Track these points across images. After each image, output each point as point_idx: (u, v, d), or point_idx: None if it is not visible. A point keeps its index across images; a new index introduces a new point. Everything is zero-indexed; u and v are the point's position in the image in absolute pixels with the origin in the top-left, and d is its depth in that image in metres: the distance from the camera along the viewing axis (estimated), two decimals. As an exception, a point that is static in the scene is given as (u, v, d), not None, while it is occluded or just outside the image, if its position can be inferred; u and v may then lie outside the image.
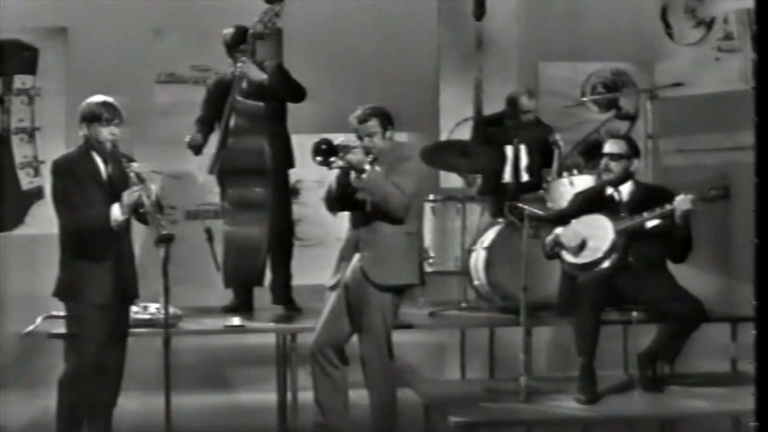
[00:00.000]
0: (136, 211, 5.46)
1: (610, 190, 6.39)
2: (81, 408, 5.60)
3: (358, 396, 5.92)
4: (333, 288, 5.86)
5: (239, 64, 6.94)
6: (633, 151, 6.43)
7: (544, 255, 6.34)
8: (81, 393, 5.59)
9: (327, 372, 5.79)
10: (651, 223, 6.17)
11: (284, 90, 7.03)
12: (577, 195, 6.63)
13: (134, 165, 5.52)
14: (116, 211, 5.44)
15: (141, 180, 5.46)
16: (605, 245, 6.13)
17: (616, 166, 6.36)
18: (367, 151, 5.79)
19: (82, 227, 5.51)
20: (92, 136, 5.58)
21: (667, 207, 6.07)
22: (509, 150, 7.41)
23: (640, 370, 6.23)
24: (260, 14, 6.92)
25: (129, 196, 5.43)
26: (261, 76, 6.95)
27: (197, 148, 7.13)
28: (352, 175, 5.74)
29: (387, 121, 5.82)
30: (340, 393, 5.82)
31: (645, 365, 6.21)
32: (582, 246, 6.19)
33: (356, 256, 5.80)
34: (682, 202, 6.06)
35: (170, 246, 5.34)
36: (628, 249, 6.20)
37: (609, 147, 6.44)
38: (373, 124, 5.78)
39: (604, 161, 6.40)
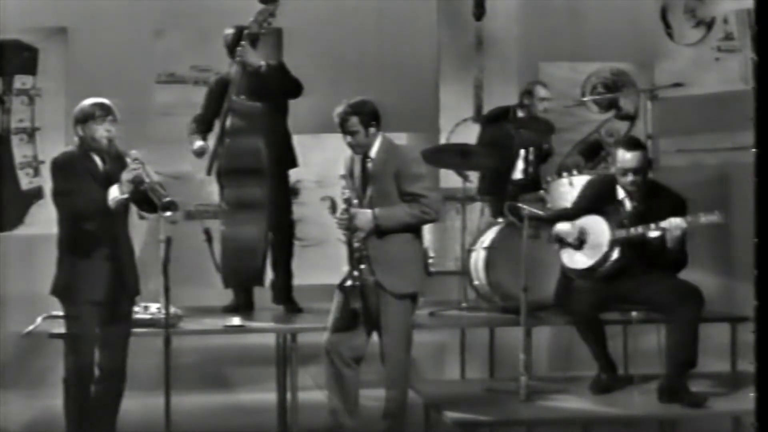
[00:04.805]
0: (136, 190, 5.45)
1: (621, 195, 6.28)
2: (88, 407, 5.61)
3: (362, 396, 5.93)
4: (345, 288, 5.83)
5: (239, 50, 6.95)
6: (647, 157, 6.20)
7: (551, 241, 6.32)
8: (86, 392, 5.60)
9: (340, 370, 5.82)
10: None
11: (281, 82, 7.03)
12: (585, 192, 6.47)
13: (133, 152, 5.53)
14: (115, 191, 5.46)
15: (140, 163, 5.48)
16: (601, 251, 6.11)
17: (639, 179, 6.10)
18: (352, 148, 5.80)
19: (81, 212, 5.51)
20: (87, 135, 5.59)
21: (661, 225, 6.00)
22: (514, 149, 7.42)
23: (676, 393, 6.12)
24: (255, 14, 6.93)
25: (128, 173, 5.44)
26: (259, 61, 6.96)
27: (203, 154, 7.12)
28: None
29: (369, 117, 5.76)
30: (351, 391, 5.84)
31: (676, 388, 6.02)
32: (582, 237, 6.16)
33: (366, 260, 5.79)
34: (674, 226, 5.94)
35: (170, 246, 5.35)
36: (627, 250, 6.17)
37: (626, 161, 6.10)
38: (354, 122, 5.74)
39: (629, 177, 6.09)
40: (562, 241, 6.23)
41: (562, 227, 6.23)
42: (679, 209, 6.10)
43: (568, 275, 6.33)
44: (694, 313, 6.02)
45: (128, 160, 5.50)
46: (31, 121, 8.17)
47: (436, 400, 6.13)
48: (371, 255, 5.76)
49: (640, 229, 6.02)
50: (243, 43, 6.95)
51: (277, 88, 7.03)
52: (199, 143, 7.11)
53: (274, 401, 6.87)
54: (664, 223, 5.95)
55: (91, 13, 7.96)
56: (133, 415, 6.07)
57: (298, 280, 7.26)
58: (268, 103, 6.99)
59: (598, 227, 6.16)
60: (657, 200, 6.15)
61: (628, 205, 6.19)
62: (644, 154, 6.17)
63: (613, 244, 6.08)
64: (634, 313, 6.53)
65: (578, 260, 6.19)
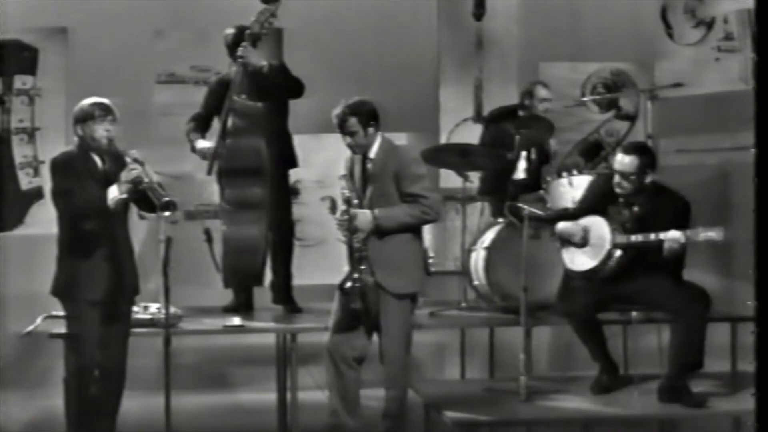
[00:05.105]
0: (135, 189, 5.45)
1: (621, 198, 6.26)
2: (88, 407, 5.61)
3: (362, 396, 5.94)
4: (345, 289, 5.83)
5: (240, 50, 6.94)
6: (647, 162, 6.12)
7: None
8: (87, 391, 5.61)
9: (342, 371, 5.83)
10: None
11: (284, 81, 7.03)
12: (588, 192, 6.46)
13: (132, 152, 5.53)
14: (114, 191, 5.46)
15: (139, 163, 5.48)
16: (602, 254, 6.11)
17: (628, 185, 6.11)
18: (351, 148, 5.80)
19: (80, 211, 5.52)
20: (87, 135, 5.60)
21: (660, 236, 5.95)
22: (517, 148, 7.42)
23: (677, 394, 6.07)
24: (257, 14, 6.93)
25: (127, 173, 5.44)
26: (261, 62, 6.96)
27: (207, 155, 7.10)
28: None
29: (368, 117, 5.76)
30: (352, 391, 5.86)
31: (677, 388, 6.03)
32: (585, 236, 6.17)
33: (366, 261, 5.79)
34: (672, 240, 5.93)
35: (170, 246, 5.35)
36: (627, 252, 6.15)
37: (619, 163, 6.14)
38: (353, 123, 5.74)
39: (616, 178, 6.13)
40: (565, 241, 6.23)
41: (565, 226, 6.23)
42: (682, 212, 6.09)
43: (570, 275, 6.33)
44: (702, 314, 6.03)
45: (128, 159, 5.51)
46: (31, 121, 8.16)
47: (436, 400, 6.13)
48: (371, 255, 5.76)
49: (640, 237, 6.02)
50: (244, 43, 6.94)
51: (279, 87, 7.02)
52: (203, 143, 7.07)
53: (274, 401, 6.87)
54: (663, 235, 5.94)
55: (91, 13, 7.96)
56: (133, 415, 6.07)
57: (298, 280, 7.25)
58: (269, 103, 6.99)
59: (599, 229, 6.15)
60: (660, 202, 6.14)
61: (630, 206, 6.19)
62: (642, 159, 6.11)
63: (614, 248, 6.08)
64: (634, 313, 6.53)
65: (579, 262, 6.19)
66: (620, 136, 8.09)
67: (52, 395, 6.30)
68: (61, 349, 5.95)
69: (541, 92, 7.66)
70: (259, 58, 6.97)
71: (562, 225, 6.26)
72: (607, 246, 6.09)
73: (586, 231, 6.18)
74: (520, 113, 7.64)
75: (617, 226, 6.11)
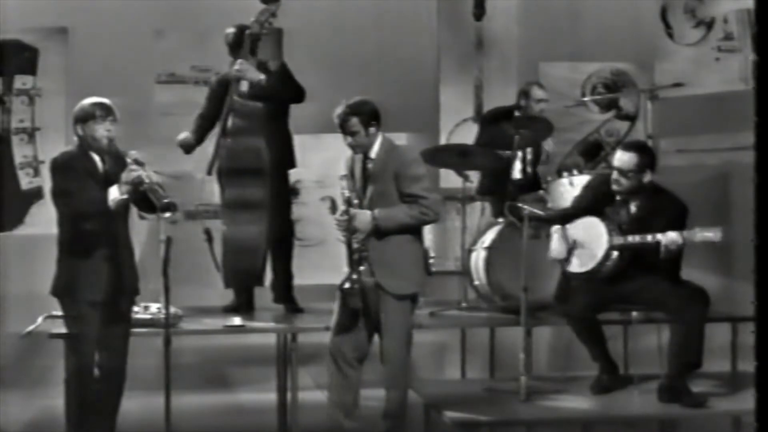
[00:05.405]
0: (136, 190, 5.45)
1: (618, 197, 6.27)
2: (88, 407, 5.62)
3: (362, 396, 5.94)
4: (344, 290, 5.82)
5: (236, 66, 6.94)
6: (646, 161, 6.11)
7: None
8: (87, 391, 5.61)
9: (343, 371, 5.83)
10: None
11: (284, 91, 7.03)
12: (585, 192, 6.46)
13: (132, 152, 5.53)
14: (114, 192, 5.46)
15: (140, 164, 5.48)
16: (599, 254, 6.11)
17: (626, 182, 6.10)
18: (352, 148, 5.81)
19: (80, 211, 5.52)
20: (87, 135, 5.59)
21: (657, 237, 5.95)
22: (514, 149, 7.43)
23: (677, 393, 6.07)
24: (256, 15, 6.93)
25: (127, 174, 5.44)
26: (259, 76, 6.96)
27: (188, 148, 7.13)
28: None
29: (370, 117, 5.76)
30: (352, 391, 5.86)
31: (677, 388, 6.04)
32: (570, 252, 6.17)
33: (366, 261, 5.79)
34: (670, 241, 5.93)
35: (170, 246, 5.35)
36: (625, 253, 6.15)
37: (618, 160, 6.14)
38: (354, 123, 5.74)
39: (614, 175, 6.13)
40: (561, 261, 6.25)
41: (554, 248, 6.22)
42: (680, 215, 6.08)
43: (568, 276, 6.33)
44: (701, 314, 6.03)
45: (128, 160, 5.51)
46: (31, 121, 8.17)
47: (436, 400, 6.14)
48: (371, 256, 5.76)
49: (637, 238, 6.02)
50: (240, 60, 6.92)
51: (278, 96, 7.02)
52: (183, 134, 7.11)
53: (274, 401, 6.87)
54: (660, 236, 5.94)
55: (91, 13, 7.97)
56: (133, 415, 6.07)
57: (298, 280, 7.26)
58: (269, 104, 6.99)
59: (595, 231, 6.14)
60: (657, 204, 6.13)
61: (627, 206, 6.18)
62: (641, 158, 6.10)
63: (611, 249, 6.08)
64: (634, 313, 6.53)
65: (577, 263, 6.19)
66: (620, 136, 8.10)
67: (52, 395, 6.31)
68: (61, 349, 5.94)
69: (537, 93, 7.65)
70: (256, 72, 6.95)
71: (552, 249, 6.23)
72: (605, 247, 6.09)
73: (573, 244, 6.17)
74: (517, 113, 7.64)
75: (614, 227, 6.11)
